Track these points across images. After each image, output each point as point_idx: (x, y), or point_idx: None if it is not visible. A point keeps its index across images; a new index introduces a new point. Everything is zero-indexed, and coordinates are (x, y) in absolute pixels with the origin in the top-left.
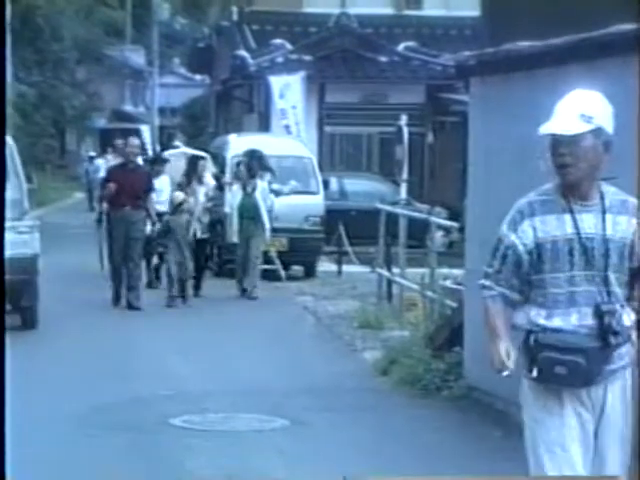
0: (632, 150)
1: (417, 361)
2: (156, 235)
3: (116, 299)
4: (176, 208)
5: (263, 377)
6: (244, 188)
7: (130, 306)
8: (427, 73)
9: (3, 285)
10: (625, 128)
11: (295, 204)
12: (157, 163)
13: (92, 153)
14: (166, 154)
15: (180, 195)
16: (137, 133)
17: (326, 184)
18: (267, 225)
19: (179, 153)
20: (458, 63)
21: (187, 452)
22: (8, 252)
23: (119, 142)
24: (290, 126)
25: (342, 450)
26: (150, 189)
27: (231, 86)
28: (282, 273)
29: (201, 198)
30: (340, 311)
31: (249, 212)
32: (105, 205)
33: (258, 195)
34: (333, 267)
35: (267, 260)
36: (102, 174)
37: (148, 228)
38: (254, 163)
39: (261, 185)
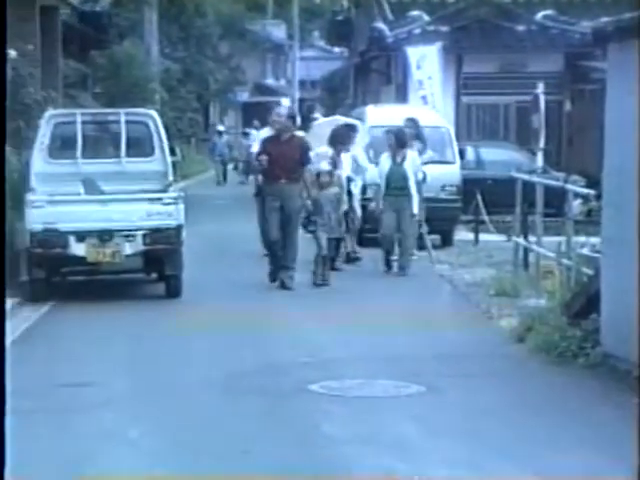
0: None
1: (553, 328)
2: (305, 212)
3: (273, 277)
4: (324, 179)
5: (400, 344)
6: (393, 158)
7: (283, 286)
8: (565, 41)
9: (4, 283)
10: None
11: (432, 174)
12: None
13: (220, 128)
14: (319, 122)
15: (326, 165)
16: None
17: (462, 153)
18: (415, 197)
19: (331, 121)
20: (595, 30)
21: (324, 417)
22: (154, 222)
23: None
24: (427, 97)
25: (477, 416)
26: (307, 161)
27: (369, 58)
28: (433, 254)
29: (347, 170)
30: (476, 279)
31: (397, 182)
32: (260, 178)
33: (408, 165)
34: (470, 236)
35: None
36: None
37: (308, 205)
38: (405, 132)
39: (411, 155)
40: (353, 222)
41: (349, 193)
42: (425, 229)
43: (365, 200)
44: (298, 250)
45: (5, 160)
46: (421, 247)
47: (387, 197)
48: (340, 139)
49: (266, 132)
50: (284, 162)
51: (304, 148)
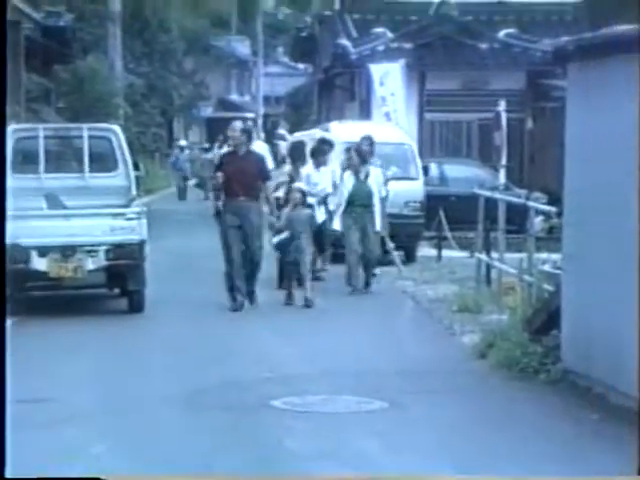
0: None
1: (515, 344)
2: (275, 231)
3: (233, 300)
4: (296, 200)
5: (362, 360)
6: (356, 174)
7: (242, 306)
8: (527, 59)
9: (4, 281)
10: None
11: (395, 190)
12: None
13: (182, 142)
14: (299, 135)
15: (301, 185)
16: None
17: (426, 170)
18: (378, 214)
19: (309, 134)
20: (556, 48)
21: (287, 432)
22: (117, 238)
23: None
24: (390, 113)
25: (439, 432)
26: (266, 177)
27: (333, 74)
28: (400, 267)
29: (326, 185)
30: (439, 295)
31: (361, 199)
32: (220, 196)
33: (372, 182)
34: (433, 252)
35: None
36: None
37: (274, 222)
38: (366, 149)
39: (375, 172)
40: (326, 240)
41: (326, 210)
42: (391, 245)
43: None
44: (260, 269)
45: (5, 160)
46: (388, 262)
47: (351, 214)
48: (300, 154)
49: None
50: (242, 178)
51: (261, 163)
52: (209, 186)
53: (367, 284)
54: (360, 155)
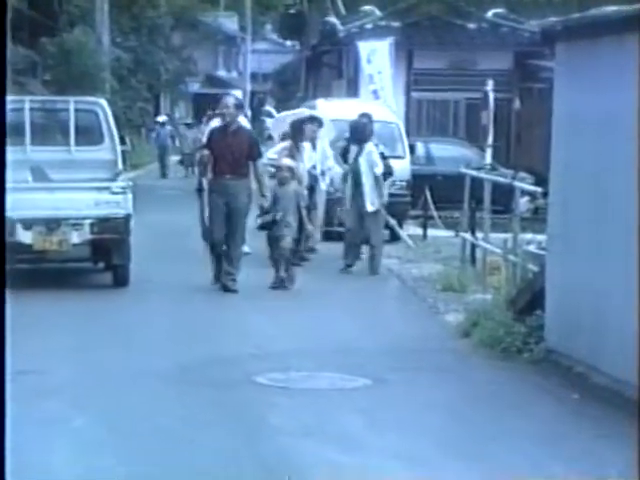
0: None
1: (498, 324)
2: (262, 211)
3: (217, 279)
4: (285, 174)
5: (347, 337)
6: (355, 152)
7: (225, 289)
8: (515, 40)
9: (4, 278)
10: None
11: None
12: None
13: (161, 118)
14: (284, 114)
15: (288, 160)
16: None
17: (412, 149)
18: (368, 193)
19: (298, 113)
20: (544, 29)
21: (270, 409)
22: (102, 212)
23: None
24: (377, 91)
25: (422, 410)
26: (257, 155)
27: (321, 52)
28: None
29: (306, 163)
30: (424, 274)
31: (355, 179)
32: (204, 172)
33: (362, 160)
34: (418, 231)
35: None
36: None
37: (263, 203)
38: (362, 127)
39: (367, 149)
40: (312, 219)
41: (312, 188)
42: (392, 221)
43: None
44: (242, 251)
45: (5, 159)
46: (394, 239)
47: (352, 194)
48: (300, 132)
49: (216, 122)
50: (230, 156)
51: (252, 141)
52: (191, 163)
53: (371, 265)
54: (359, 132)
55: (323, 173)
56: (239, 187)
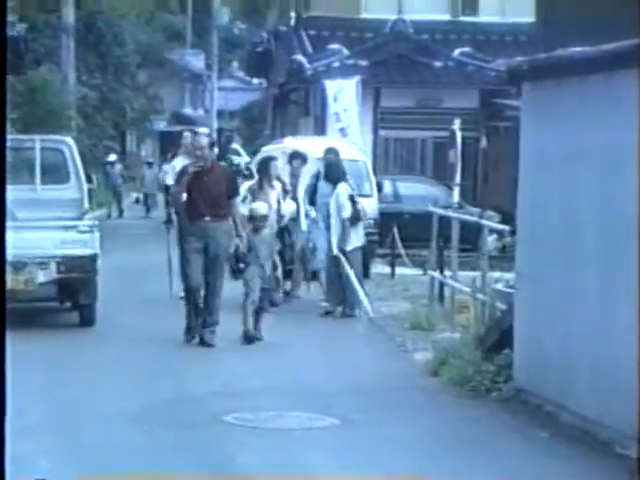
0: None
1: (467, 362)
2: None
3: (189, 333)
4: (260, 223)
5: (315, 376)
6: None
7: (203, 342)
8: (481, 78)
9: (4, 286)
10: None
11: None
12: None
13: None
14: (267, 148)
15: (263, 207)
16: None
17: (380, 187)
18: (333, 239)
19: (282, 147)
20: (510, 68)
21: (238, 448)
22: (69, 251)
23: (188, 138)
24: (345, 129)
25: (391, 449)
26: (235, 193)
27: (288, 90)
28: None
29: (273, 205)
30: (393, 312)
31: (324, 220)
32: (175, 205)
33: (332, 201)
34: (386, 269)
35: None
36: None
37: (239, 244)
38: (335, 166)
39: (337, 190)
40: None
41: (287, 230)
42: (350, 271)
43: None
44: (220, 299)
45: (5, 162)
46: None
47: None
48: (267, 170)
49: (180, 161)
50: (208, 197)
51: (229, 178)
52: (152, 202)
53: (345, 307)
54: (334, 172)
55: (307, 214)
56: (219, 230)
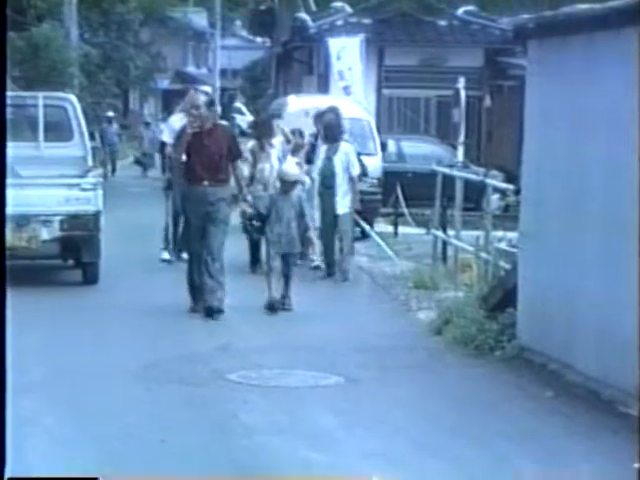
0: None
1: (471, 321)
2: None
3: (194, 300)
4: (289, 186)
5: (318, 335)
6: (327, 151)
7: (210, 310)
8: (486, 37)
9: (4, 272)
10: None
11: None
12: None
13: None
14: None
15: (294, 170)
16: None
17: (384, 146)
18: (339, 197)
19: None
20: (516, 26)
21: (242, 406)
22: (72, 208)
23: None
24: (348, 87)
25: (394, 408)
26: (237, 154)
27: (291, 48)
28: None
29: (275, 165)
30: (395, 272)
31: (328, 180)
32: (172, 170)
33: (337, 160)
34: (389, 228)
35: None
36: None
37: (246, 208)
38: (335, 122)
39: (344, 148)
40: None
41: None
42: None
43: None
44: (223, 264)
45: (5, 158)
46: (364, 236)
47: (322, 195)
48: (269, 129)
49: (177, 119)
50: (208, 160)
51: (231, 139)
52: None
53: (343, 272)
54: (333, 130)
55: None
56: (219, 195)
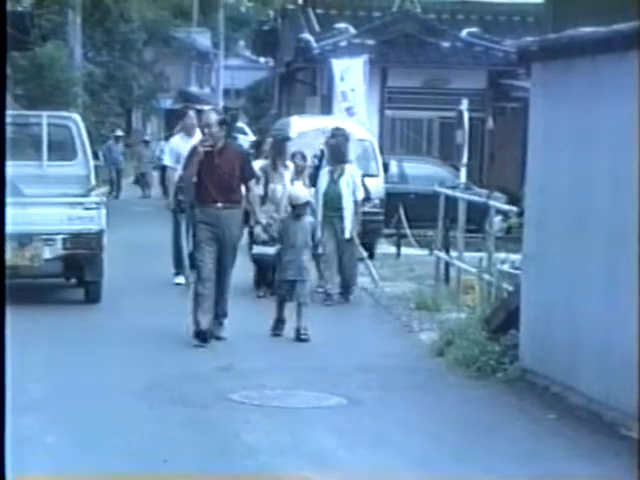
0: None
1: (473, 343)
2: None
3: (198, 328)
4: (301, 209)
5: (320, 355)
6: (331, 173)
7: (210, 335)
8: (489, 59)
9: (4, 276)
10: None
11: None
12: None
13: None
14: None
15: (304, 193)
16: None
17: (386, 167)
18: (348, 220)
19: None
20: (520, 49)
21: (244, 426)
22: (75, 227)
23: (191, 116)
24: (351, 108)
25: (396, 429)
26: (250, 175)
27: (295, 69)
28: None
29: (287, 186)
30: (398, 293)
31: (333, 203)
32: (180, 191)
33: (343, 182)
34: (392, 249)
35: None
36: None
37: (259, 232)
38: (339, 142)
39: (349, 170)
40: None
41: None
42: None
43: None
44: (229, 289)
45: (5, 160)
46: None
47: (325, 219)
48: (282, 151)
49: (177, 140)
50: (220, 180)
51: (244, 160)
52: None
53: (345, 296)
54: (339, 152)
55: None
56: (232, 217)
